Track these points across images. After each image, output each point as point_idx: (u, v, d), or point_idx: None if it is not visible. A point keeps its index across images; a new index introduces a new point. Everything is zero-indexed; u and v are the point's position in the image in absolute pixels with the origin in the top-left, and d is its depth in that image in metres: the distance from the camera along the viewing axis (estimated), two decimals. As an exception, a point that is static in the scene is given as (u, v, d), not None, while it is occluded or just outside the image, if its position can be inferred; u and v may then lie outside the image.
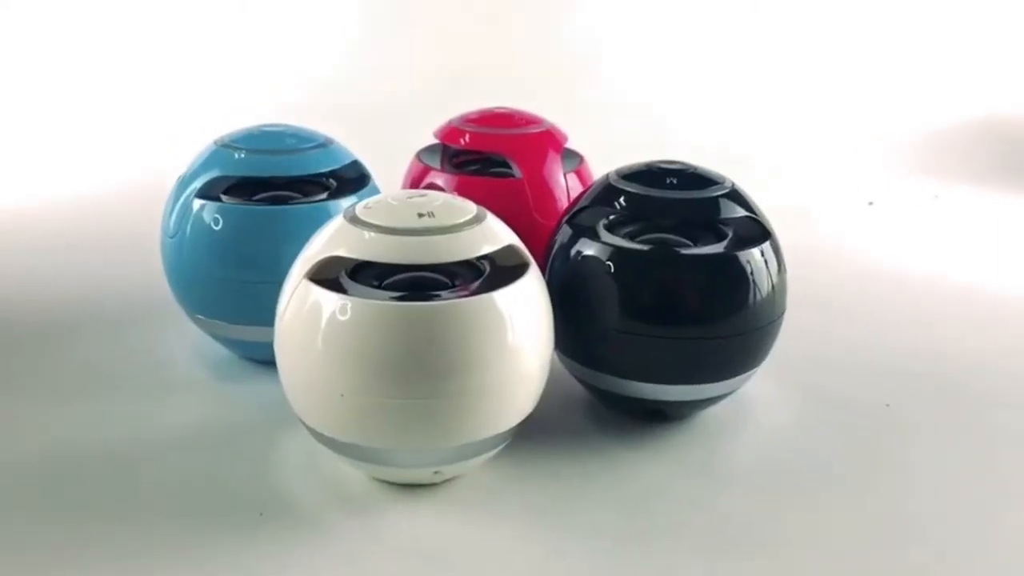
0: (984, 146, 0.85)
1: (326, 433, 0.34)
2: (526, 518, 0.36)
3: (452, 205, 0.35)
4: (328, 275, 0.34)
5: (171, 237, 0.43)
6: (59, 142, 0.79)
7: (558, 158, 0.49)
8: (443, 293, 0.34)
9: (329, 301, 0.33)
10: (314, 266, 0.34)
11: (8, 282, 0.56)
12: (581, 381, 0.42)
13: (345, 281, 0.34)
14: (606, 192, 0.40)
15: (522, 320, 0.34)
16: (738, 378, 0.40)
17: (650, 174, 0.40)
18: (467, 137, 0.49)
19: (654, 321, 0.38)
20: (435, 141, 0.52)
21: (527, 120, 0.50)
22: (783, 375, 0.45)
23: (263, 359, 0.45)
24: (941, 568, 0.34)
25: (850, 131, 0.86)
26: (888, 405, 0.44)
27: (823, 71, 0.91)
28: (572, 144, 0.52)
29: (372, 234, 0.33)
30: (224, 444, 0.40)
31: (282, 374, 0.35)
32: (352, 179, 0.45)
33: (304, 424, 0.35)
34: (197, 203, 0.42)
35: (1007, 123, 0.87)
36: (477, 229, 0.34)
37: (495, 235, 0.35)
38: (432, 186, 0.49)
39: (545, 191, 0.48)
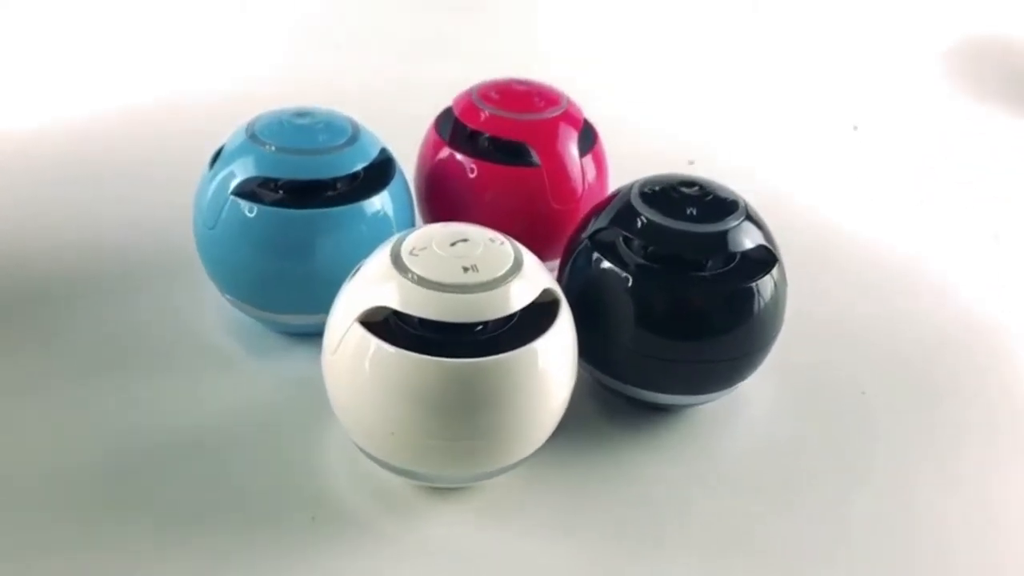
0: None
1: (374, 455, 0.38)
2: (545, 518, 0.41)
3: (492, 252, 0.37)
4: (377, 317, 0.37)
5: (210, 229, 0.45)
6: (67, 64, 0.77)
7: (575, 142, 0.51)
8: (482, 337, 0.37)
9: (380, 351, 0.36)
10: (364, 312, 0.36)
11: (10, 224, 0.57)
12: (591, 375, 0.46)
13: (393, 323, 0.37)
14: (626, 213, 0.43)
15: (555, 361, 0.37)
16: (741, 384, 0.44)
17: (669, 201, 0.42)
18: (484, 116, 0.50)
19: (666, 341, 0.42)
20: (448, 105, 0.53)
21: (546, 100, 0.51)
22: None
23: (296, 333, 0.49)
24: (936, 562, 0.40)
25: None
26: (864, 392, 0.50)
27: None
28: (581, 106, 0.53)
29: (419, 288, 0.36)
30: (263, 432, 0.43)
31: (333, 401, 0.38)
32: (379, 167, 0.47)
33: (351, 440, 0.39)
34: (232, 199, 0.44)
35: None
36: (517, 279, 0.37)
37: (533, 282, 0.37)
38: (449, 161, 0.51)
39: (563, 178, 0.50)
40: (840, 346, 0.53)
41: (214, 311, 0.50)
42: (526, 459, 0.39)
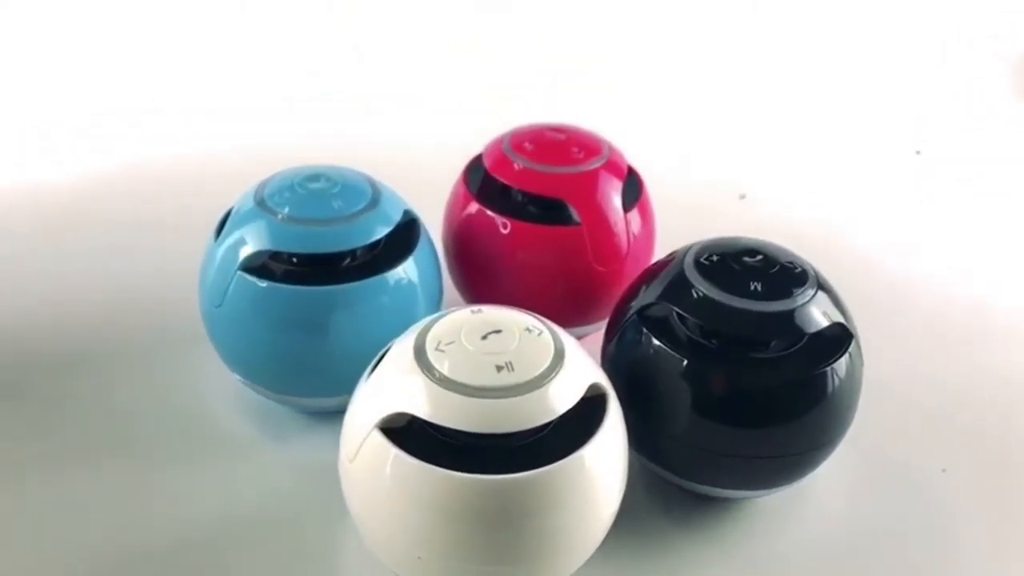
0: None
1: (399, 573, 0.34)
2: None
3: (530, 345, 0.33)
4: (399, 422, 0.32)
5: (216, 307, 0.41)
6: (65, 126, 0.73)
7: (619, 195, 0.46)
8: (519, 444, 0.33)
9: (402, 463, 0.31)
10: (383, 419, 0.32)
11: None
12: (639, 462, 0.41)
13: (419, 430, 0.33)
14: (679, 285, 0.38)
15: (607, 467, 0.33)
16: (807, 477, 0.39)
17: (729, 272, 0.37)
18: (518, 168, 0.46)
19: (725, 433, 0.37)
20: (478, 153, 0.49)
21: (585, 150, 0.46)
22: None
23: (307, 412, 0.44)
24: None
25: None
26: (944, 470, 0.44)
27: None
28: (624, 149, 0.48)
29: (446, 392, 0.31)
30: (277, 527, 0.39)
31: (351, 508, 0.34)
32: (403, 231, 0.42)
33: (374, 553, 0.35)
34: (239, 275, 0.40)
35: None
36: (559, 377, 0.32)
37: (578, 376, 0.33)
38: (479, 217, 0.46)
39: (606, 236, 0.45)
40: (914, 417, 0.47)
41: (225, 389, 0.46)
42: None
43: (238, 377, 0.43)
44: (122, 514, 0.39)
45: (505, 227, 0.46)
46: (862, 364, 0.38)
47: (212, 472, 0.42)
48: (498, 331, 0.33)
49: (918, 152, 0.70)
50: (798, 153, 0.75)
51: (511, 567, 0.32)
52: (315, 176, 0.42)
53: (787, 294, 0.37)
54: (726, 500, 0.41)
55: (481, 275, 0.47)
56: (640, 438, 0.39)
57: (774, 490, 0.39)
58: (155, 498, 0.40)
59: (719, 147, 0.75)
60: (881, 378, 0.45)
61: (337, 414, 0.35)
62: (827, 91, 0.84)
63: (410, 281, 0.41)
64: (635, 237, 0.46)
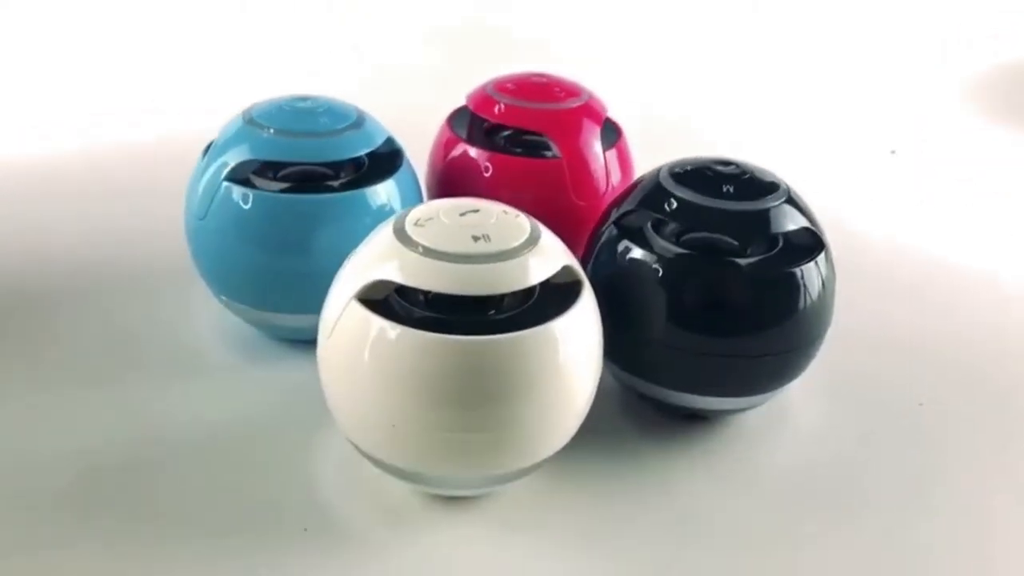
0: None
1: (373, 454, 0.34)
2: (564, 530, 0.36)
3: (506, 223, 0.33)
4: (377, 295, 0.33)
5: (200, 219, 0.41)
6: (74, 94, 0.76)
7: (598, 135, 0.47)
8: (495, 317, 0.33)
9: (380, 328, 0.31)
10: (363, 288, 0.32)
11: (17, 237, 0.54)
12: (618, 380, 0.41)
13: (396, 302, 0.33)
14: (655, 194, 0.39)
15: (578, 346, 0.33)
16: (784, 388, 0.40)
17: (703, 178, 0.38)
18: (501, 108, 0.47)
19: (702, 335, 0.37)
20: (463, 103, 0.50)
21: (566, 91, 0.48)
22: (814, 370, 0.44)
23: (292, 339, 0.45)
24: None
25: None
26: (921, 404, 0.45)
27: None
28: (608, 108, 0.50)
29: (424, 258, 0.32)
30: (258, 442, 0.39)
31: (328, 393, 0.34)
32: (385, 157, 0.43)
33: (349, 440, 0.35)
34: (226, 186, 0.40)
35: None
36: (534, 251, 0.33)
37: (551, 256, 0.33)
38: (464, 158, 0.47)
39: (584, 172, 0.46)
40: (893, 355, 0.48)
41: (209, 316, 0.46)
42: (545, 462, 0.34)
43: (222, 298, 0.43)
44: (112, 428, 0.39)
45: (488, 168, 0.47)
46: (834, 274, 0.39)
47: (196, 391, 0.42)
48: (476, 210, 0.34)
49: (893, 151, 0.72)
50: (779, 131, 0.77)
51: (483, 434, 0.32)
52: (303, 98, 0.43)
53: (758, 197, 0.38)
54: (703, 421, 0.41)
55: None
56: (618, 349, 0.39)
57: (747, 399, 0.39)
58: (142, 414, 0.40)
59: (707, 122, 0.76)
60: (861, 322, 0.46)
61: (313, 342, 0.35)
62: (821, 81, 0.87)
63: (391, 203, 0.42)
64: (613, 182, 0.47)
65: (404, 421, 0.32)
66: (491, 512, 0.36)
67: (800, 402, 0.43)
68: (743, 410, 0.41)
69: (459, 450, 0.32)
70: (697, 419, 0.41)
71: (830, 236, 0.39)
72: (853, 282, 0.42)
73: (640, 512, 0.37)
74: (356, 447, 0.34)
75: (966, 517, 0.38)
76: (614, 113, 0.50)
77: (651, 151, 0.48)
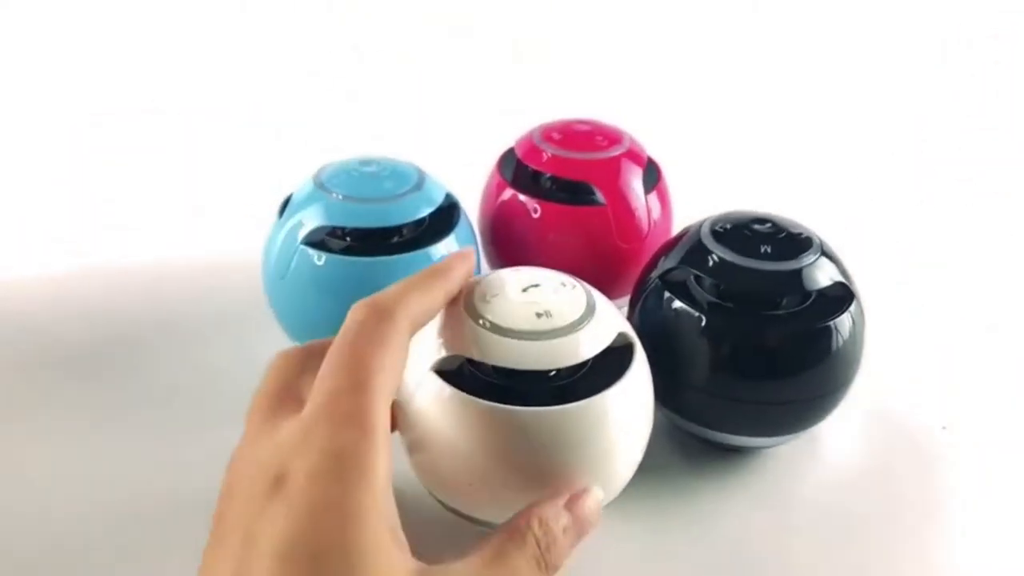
0: None
1: (450, 505, 0.38)
2: (621, 565, 0.40)
3: (565, 297, 0.37)
4: (451, 366, 0.36)
5: (281, 278, 0.45)
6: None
7: (640, 180, 0.50)
8: (554, 385, 0.37)
9: (459, 401, 0.35)
10: (439, 361, 0.36)
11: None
12: (662, 415, 0.45)
13: (467, 371, 0.37)
14: (697, 251, 0.42)
15: (634, 407, 0.37)
16: (818, 425, 0.43)
17: (742, 238, 0.42)
18: (547, 156, 0.50)
19: (739, 382, 0.41)
20: (510, 146, 0.53)
21: (608, 139, 0.51)
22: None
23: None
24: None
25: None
26: (944, 428, 0.48)
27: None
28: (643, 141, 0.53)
29: (494, 336, 0.35)
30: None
31: (409, 451, 0.38)
32: (444, 212, 0.47)
33: (429, 492, 0.38)
34: (302, 248, 0.44)
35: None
36: (591, 323, 0.36)
37: (607, 326, 0.37)
38: (513, 202, 0.51)
39: (628, 216, 0.50)
40: (918, 381, 0.51)
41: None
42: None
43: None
44: (199, 467, 0.43)
45: (536, 211, 0.50)
46: (863, 322, 0.42)
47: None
48: (537, 285, 0.37)
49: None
50: (810, 165, 0.79)
51: (548, 490, 0.36)
52: (367, 162, 0.46)
53: (794, 256, 0.41)
54: (741, 450, 0.45)
55: (515, 255, 0.51)
56: (665, 393, 0.43)
57: (784, 438, 0.43)
58: (219, 455, 0.44)
59: (736, 146, 0.79)
60: (886, 342, 0.49)
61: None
62: (836, 95, 0.88)
63: (452, 256, 0.46)
64: (655, 218, 0.51)
65: (479, 480, 0.36)
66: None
67: (830, 426, 0.47)
68: (777, 446, 0.44)
69: (526, 503, 0.36)
70: (736, 451, 0.45)
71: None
72: (878, 313, 0.45)
73: (687, 540, 0.41)
74: (435, 498, 0.38)
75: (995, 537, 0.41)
76: (649, 141, 0.53)
77: (685, 175, 0.51)
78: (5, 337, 0.52)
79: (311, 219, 0.44)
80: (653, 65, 0.90)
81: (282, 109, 0.83)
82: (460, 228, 0.47)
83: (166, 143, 0.76)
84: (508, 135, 0.54)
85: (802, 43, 0.93)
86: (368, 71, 0.90)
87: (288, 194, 0.47)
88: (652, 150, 0.53)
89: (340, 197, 0.44)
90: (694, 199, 0.54)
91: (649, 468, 0.43)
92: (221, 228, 0.64)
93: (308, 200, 0.45)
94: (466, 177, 0.53)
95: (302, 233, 0.44)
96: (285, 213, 0.46)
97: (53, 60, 0.84)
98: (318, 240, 0.45)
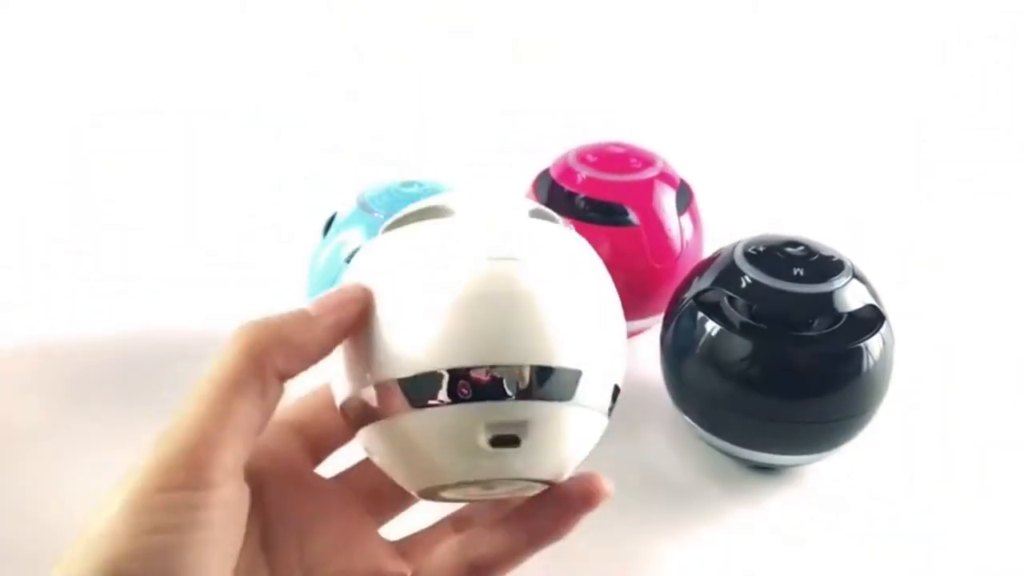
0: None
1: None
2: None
3: None
4: None
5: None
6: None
7: (673, 202, 0.51)
8: None
9: None
10: None
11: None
12: (694, 433, 0.46)
13: None
14: (731, 273, 0.43)
15: None
16: (848, 444, 0.44)
17: (774, 260, 0.43)
18: (582, 178, 0.52)
19: (770, 401, 0.42)
20: (546, 167, 0.55)
21: (642, 161, 0.52)
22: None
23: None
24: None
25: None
26: (977, 444, 0.49)
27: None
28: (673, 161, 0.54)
29: None
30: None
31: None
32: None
33: None
34: (346, 267, 0.46)
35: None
36: None
37: None
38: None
39: (661, 237, 0.51)
40: (948, 400, 0.52)
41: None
42: None
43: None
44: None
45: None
46: (893, 343, 0.43)
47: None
48: None
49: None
50: (837, 187, 0.80)
51: None
52: (409, 183, 0.48)
53: (826, 279, 0.42)
54: (772, 469, 0.46)
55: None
56: (698, 411, 0.44)
57: (814, 456, 0.44)
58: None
59: (766, 168, 0.80)
60: (916, 362, 0.50)
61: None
62: (867, 119, 0.89)
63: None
64: (687, 239, 0.52)
65: None
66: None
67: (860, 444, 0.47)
68: (807, 464, 0.45)
69: None
70: (766, 469, 0.46)
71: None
72: (908, 334, 0.46)
73: (715, 556, 0.42)
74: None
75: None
76: (685, 175, 0.54)
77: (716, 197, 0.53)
78: (39, 351, 0.54)
79: (354, 239, 0.46)
80: (685, 89, 0.91)
81: (282, 109, 0.85)
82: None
83: (168, 143, 0.78)
84: (538, 156, 0.55)
85: (833, 67, 0.93)
86: (368, 71, 0.91)
87: (331, 214, 0.48)
88: (684, 172, 0.54)
89: (382, 217, 0.46)
90: (725, 220, 0.56)
91: (680, 485, 0.45)
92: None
93: (351, 220, 0.47)
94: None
95: (345, 252, 0.46)
96: (329, 232, 0.47)
97: (51, 61, 0.87)
98: (361, 259, 0.46)
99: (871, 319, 0.42)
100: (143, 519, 0.23)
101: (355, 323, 0.27)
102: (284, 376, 0.26)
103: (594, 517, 0.40)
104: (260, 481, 0.28)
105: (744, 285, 0.42)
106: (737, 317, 0.43)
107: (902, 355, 0.44)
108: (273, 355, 0.25)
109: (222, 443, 0.24)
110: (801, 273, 0.42)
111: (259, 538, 0.28)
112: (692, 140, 0.76)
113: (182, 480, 0.24)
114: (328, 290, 0.27)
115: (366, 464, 0.31)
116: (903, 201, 0.76)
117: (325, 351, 0.27)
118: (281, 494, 0.29)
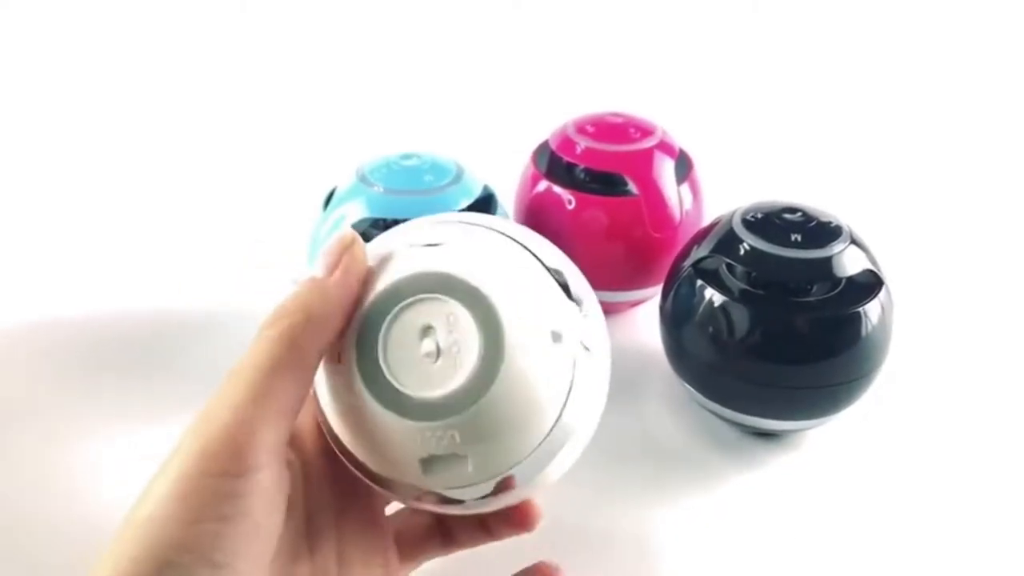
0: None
1: None
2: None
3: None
4: None
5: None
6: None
7: (672, 171, 0.51)
8: None
9: None
10: None
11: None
12: (695, 401, 0.46)
13: None
14: (729, 240, 0.43)
15: None
16: (848, 408, 0.44)
17: (772, 226, 0.43)
18: (581, 149, 0.52)
19: (770, 367, 0.42)
20: (545, 139, 0.55)
21: (641, 131, 0.52)
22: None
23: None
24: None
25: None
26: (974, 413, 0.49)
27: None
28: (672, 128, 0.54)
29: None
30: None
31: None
32: (483, 204, 0.49)
33: None
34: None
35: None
36: None
37: None
38: (548, 194, 0.52)
39: (660, 207, 0.51)
40: (946, 365, 0.52)
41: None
42: None
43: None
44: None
45: (570, 202, 0.51)
46: (892, 308, 0.43)
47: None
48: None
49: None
50: (839, 157, 0.80)
51: None
52: (408, 156, 0.48)
53: (824, 244, 0.42)
54: (772, 434, 0.46)
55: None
56: (698, 379, 0.44)
57: (814, 421, 0.44)
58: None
59: (764, 137, 0.80)
60: (914, 328, 0.50)
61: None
62: (864, 85, 0.89)
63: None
64: (686, 208, 0.52)
65: None
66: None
67: (859, 410, 0.48)
68: (807, 429, 0.46)
69: None
70: (766, 435, 0.46)
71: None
72: (907, 299, 0.47)
73: (719, 521, 0.42)
74: None
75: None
76: (679, 133, 0.54)
77: (715, 166, 0.53)
78: (50, 338, 0.54)
79: (354, 211, 0.46)
80: (683, 58, 0.91)
81: (281, 83, 0.85)
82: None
83: (168, 119, 0.79)
84: (538, 127, 0.55)
85: (830, 34, 0.93)
86: (367, 44, 0.92)
87: (331, 187, 0.49)
88: (683, 142, 0.54)
89: (382, 190, 0.46)
90: (724, 189, 0.56)
91: (680, 452, 0.45)
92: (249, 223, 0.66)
93: (351, 193, 0.47)
94: (501, 169, 0.55)
95: (345, 225, 0.46)
96: (329, 206, 0.47)
97: (52, 59, 0.87)
98: (361, 232, 0.46)
99: (870, 284, 0.43)
100: (192, 504, 0.24)
101: (358, 265, 0.29)
102: (320, 353, 0.28)
103: (595, 484, 0.42)
104: (302, 470, 0.30)
105: (743, 252, 0.43)
106: (736, 284, 0.43)
107: (901, 320, 0.44)
108: (308, 335, 0.27)
109: (265, 425, 0.25)
110: (799, 239, 0.42)
111: (302, 524, 0.29)
112: (691, 109, 0.76)
113: (226, 464, 0.25)
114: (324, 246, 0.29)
115: None
116: (901, 166, 0.76)
117: (345, 310, 0.28)
118: (320, 482, 0.31)
